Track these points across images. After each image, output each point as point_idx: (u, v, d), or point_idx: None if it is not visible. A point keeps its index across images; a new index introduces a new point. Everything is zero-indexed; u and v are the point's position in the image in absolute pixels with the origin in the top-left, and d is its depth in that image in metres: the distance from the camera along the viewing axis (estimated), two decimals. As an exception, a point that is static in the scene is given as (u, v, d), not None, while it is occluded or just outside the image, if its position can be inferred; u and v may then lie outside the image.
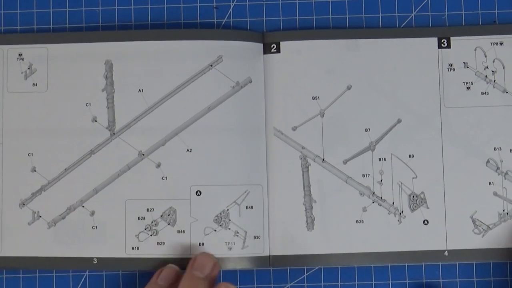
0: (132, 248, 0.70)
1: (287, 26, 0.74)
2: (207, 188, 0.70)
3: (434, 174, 0.71)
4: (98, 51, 0.72)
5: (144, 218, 0.70)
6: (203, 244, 0.70)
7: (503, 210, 0.70)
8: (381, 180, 0.71)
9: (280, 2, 0.74)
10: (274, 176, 0.71)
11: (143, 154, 0.71)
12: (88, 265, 0.70)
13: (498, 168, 0.71)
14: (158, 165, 0.71)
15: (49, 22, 0.74)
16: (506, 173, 0.71)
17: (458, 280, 0.71)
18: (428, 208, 0.70)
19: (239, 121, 0.71)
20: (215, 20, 0.74)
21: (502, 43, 0.72)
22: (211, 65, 0.71)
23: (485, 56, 0.72)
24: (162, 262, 0.69)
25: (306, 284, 0.72)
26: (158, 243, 0.70)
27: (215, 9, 0.74)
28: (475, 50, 0.72)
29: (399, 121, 0.71)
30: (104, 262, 0.70)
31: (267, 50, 0.72)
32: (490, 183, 0.70)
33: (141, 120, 0.71)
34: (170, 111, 0.71)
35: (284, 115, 0.72)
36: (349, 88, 0.72)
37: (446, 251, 0.70)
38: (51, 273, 0.72)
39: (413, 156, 0.71)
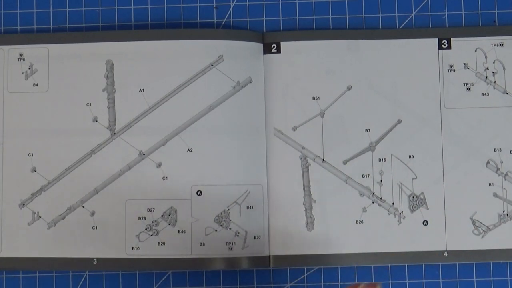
0: (133, 248, 0.70)
1: (287, 26, 0.74)
2: (208, 188, 0.70)
3: (434, 174, 0.71)
4: (98, 51, 0.72)
5: (145, 218, 0.70)
6: (204, 244, 0.70)
7: (503, 211, 0.70)
8: (381, 181, 0.71)
9: (280, 2, 0.74)
10: (274, 176, 0.71)
11: (144, 154, 0.71)
12: (88, 265, 0.70)
13: (498, 169, 0.71)
14: (159, 165, 0.71)
15: (49, 22, 0.74)
16: (506, 174, 0.71)
17: (458, 280, 0.71)
18: (428, 208, 0.71)
19: (239, 121, 0.71)
20: (215, 20, 0.74)
21: (502, 44, 0.72)
22: (212, 65, 0.71)
23: (486, 57, 0.72)
24: (163, 263, 0.70)
25: (306, 284, 0.72)
26: (158, 243, 0.70)
27: (215, 9, 0.74)
28: (475, 51, 0.72)
29: (399, 121, 0.71)
30: (104, 262, 0.70)
31: (267, 50, 0.72)
32: (490, 184, 0.71)
33: (142, 120, 0.71)
34: (170, 111, 0.71)
35: (284, 115, 0.72)
36: (349, 88, 0.72)
37: (446, 252, 0.70)
38: (51, 273, 0.72)
39: (413, 156, 0.71)
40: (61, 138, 0.71)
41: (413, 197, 0.71)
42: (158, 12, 0.74)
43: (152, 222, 0.70)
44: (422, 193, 0.71)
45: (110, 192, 0.71)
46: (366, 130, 0.71)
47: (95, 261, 0.70)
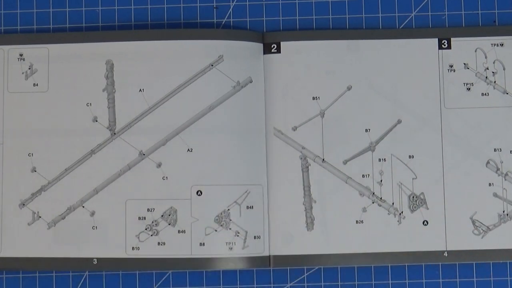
0: (133, 248, 0.70)
1: (287, 26, 0.74)
2: (208, 188, 0.70)
3: (434, 174, 0.71)
4: (98, 51, 0.72)
5: (145, 218, 0.70)
6: (204, 244, 0.70)
7: (503, 211, 0.70)
8: (381, 181, 0.71)
9: (280, 2, 0.74)
10: (274, 176, 0.71)
11: (144, 154, 0.71)
12: (88, 265, 0.70)
13: (498, 169, 0.71)
14: (159, 165, 0.71)
15: (49, 22, 0.74)
16: (506, 174, 0.71)
17: (458, 280, 0.71)
18: (427, 208, 0.71)
19: (239, 121, 0.71)
20: (215, 20, 0.74)
21: (502, 45, 0.72)
22: (212, 65, 0.71)
23: (486, 57, 0.72)
24: (163, 263, 0.70)
25: (306, 284, 0.72)
26: (158, 243, 0.70)
27: (215, 9, 0.74)
28: (475, 51, 0.72)
29: (399, 121, 0.71)
30: (104, 262, 0.70)
31: (267, 50, 0.72)
32: (490, 184, 0.71)
33: (142, 120, 0.71)
34: (170, 111, 0.71)
35: (284, 115, 0.72)
36: (349, 88, 0.72)
37: (446, 252, 0.70)
38: (51, 273, 0.72)
39: (413, 156, 0.71)
40: (61, 138, 0.71)
41: (413, 197, 0.71)
42: (158, 12, 0.74)
43: (152, 222, 0.70)
44: (422, 193, 0.71)
45: (110, 192, 0.71)
46: (366, 130, 0.71)
47: (95, 261, 0.70)
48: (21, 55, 0.72)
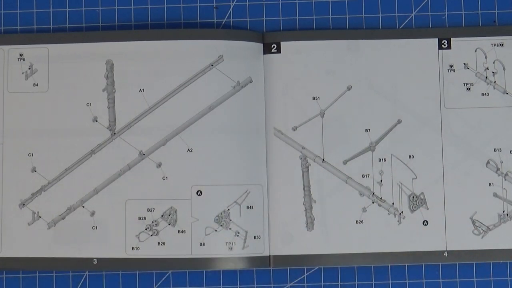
0: (133, 249, 0.70)
1: (287, 26, 0.74)
2: (208, 188, 0.70)
3: (434, 174, 0.71)
4: (98, 51, 0.72)
5: (145, 218, 0.70)
6: (204, 244, 0.70)
7: (503, 211, 0.70)
8: (381, 181, 0.71)
9: (280, 2, 0.74)
10: (274, 176, 0.71)
11: (144, 154, 0.71)
12: (88, 265, 0.70)
13: (498, 169, 0.71)
14: (159, 165, 0.71)
15: (49, 22, 0.74)
16: (506, 174, 0.71)
17: (458, 280, 0.71)
18: (427, 208, 0.71)
19: (239, 121, 0.71)
20: (215, 20, 0.74)
21: (502, 45, 0.72)
22: (212, 65, 0.71)
23: (486, 57, 0.72)
24: (163, 263, 0.70)
25: (306, 284, 0.72)
26: (158, 243, 0.70)
27: (215, 9, 0.74)
28: (475, 51, 0.72)
29: (399, 121, 0.71)
30: (104, 262, 0.70)
31: (267, 50, 0.72)
32: (490, 184, 0.71)
33: (142, 120, 0.71)
34: (170, 111, 0.71)
35: (284, 115, 0.72)
36: (349, 88, 0.72)
37: (446, 252, 0.70)
38: (51, 273, 0.72)
39: (413, 156, 0.71)
40: (61, 138, 0.71)
41: (413, 197, 0.71)
42: (158, 12, 0.74)
43: (152, 222, 0.70)
44: (422, 193, 0.71)
45: (110, 192, 0.71)
46: (366, 130, 0.71)
47: (95, 261, 0.70)
48: (21, 55, 0.72)
